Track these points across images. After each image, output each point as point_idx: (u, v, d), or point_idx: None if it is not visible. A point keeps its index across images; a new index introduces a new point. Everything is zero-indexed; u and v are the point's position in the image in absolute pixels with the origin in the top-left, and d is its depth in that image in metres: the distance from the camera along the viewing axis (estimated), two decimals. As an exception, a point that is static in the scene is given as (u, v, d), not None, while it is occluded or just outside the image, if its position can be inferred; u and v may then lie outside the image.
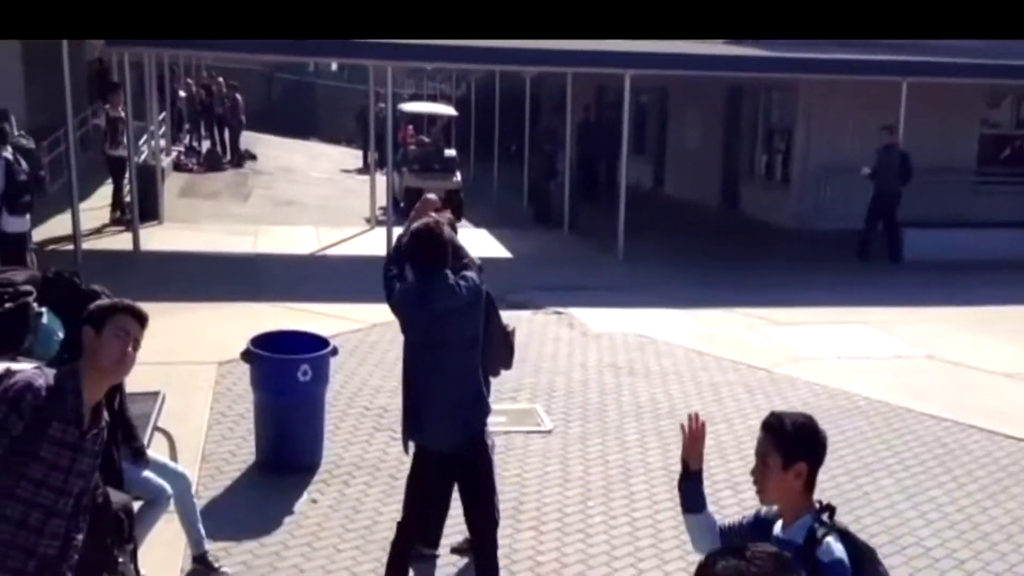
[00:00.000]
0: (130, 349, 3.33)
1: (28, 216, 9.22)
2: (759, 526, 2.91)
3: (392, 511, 5.45)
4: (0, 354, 4.92)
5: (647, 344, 9.49)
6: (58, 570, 3.26)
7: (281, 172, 22.65)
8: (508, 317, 6.07)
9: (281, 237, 14.42)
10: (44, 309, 5.30)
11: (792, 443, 2.78)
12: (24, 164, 9.07)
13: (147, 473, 4.83)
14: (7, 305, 5.09)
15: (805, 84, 16.24)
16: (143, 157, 16.53)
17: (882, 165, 13.78)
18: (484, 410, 4.66)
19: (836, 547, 2.71)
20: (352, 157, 26.14)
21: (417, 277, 4.57)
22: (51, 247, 11.76)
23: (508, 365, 5.49)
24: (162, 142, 19.10)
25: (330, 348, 6.34)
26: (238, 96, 23.53)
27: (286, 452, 6.26)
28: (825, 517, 2.78)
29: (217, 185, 19.50)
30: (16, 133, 9.60)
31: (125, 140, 13.60)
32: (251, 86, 29.50)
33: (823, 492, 3.00)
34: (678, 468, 3.13)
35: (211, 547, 5.11)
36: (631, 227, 14.00)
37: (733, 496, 6.05)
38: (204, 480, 5.95)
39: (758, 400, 7.90)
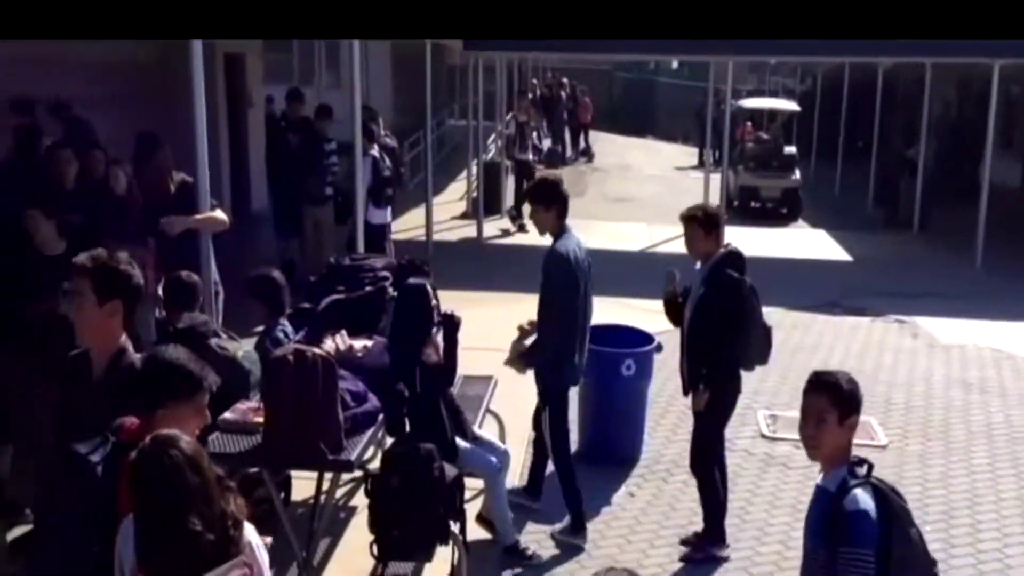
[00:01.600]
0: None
1: (389, 209, 10.19)
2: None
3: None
4: (358, 333, 5.48)
5: (1004, 360, 8.58)
6: None
7: (617, 169, 23.10)
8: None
9: (613, 233, 14.71)
10: (396, 294, 5.82)
11: (848, 399, 2.99)
12: (388, 161, 10.03)
13: (478, 449, 5.15)
14: (367, 288, 5.66)
15: None
16: (490, 155, 17.61)
17: None
18: None
19: (863, 499, 2.87)
20: (688, 155, 26.06)
21: (565, 236, 5.38)
22: (407, 237, 12.88)
23: (765, 360, 5.43)
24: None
25: (654, 344, 6.38)
26: (587, 99, 24.38)
27: (607, 444, 6.39)
28: (861, 471, 2.94)
29: (556, 182, 20.26)
30: (383, 133, 10.60)
31: (530, 144, 14.53)
32: (592, 85, 30.33)
33: None
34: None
35: (525, 533, 5.33)
36: (993, 230, 12.70)
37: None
38: (527, 464, 6.23)
39: None
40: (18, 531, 5.26)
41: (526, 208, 8.32)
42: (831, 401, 2.99)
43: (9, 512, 5.27)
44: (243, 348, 5.06)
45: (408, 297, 5.09)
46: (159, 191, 6.08)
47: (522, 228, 14.05)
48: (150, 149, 6.27)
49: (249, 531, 2.76)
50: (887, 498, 2.91)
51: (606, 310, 9.25)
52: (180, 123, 9.11)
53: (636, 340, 6.43)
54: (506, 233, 14.19)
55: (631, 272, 12.18)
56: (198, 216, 5.75)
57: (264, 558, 2.79)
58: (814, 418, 3.00)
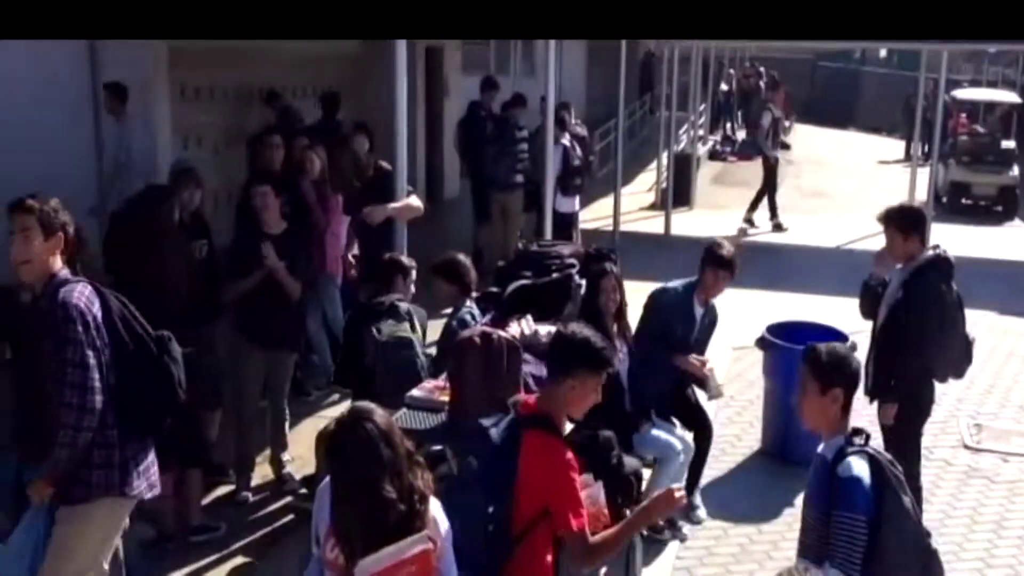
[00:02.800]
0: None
1: (577, 198, 10.24)
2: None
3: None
4: (544, 319, 5.54)
5: None
6: None
7: (813, 162, 22.20)
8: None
9: (806, 227, 14.18)
10: (583, 281, 5.85)
11: (828, 371, 3.12)
12: (578, 151, 10.07)
13: (656, 432, 5.12)
14: (554, 275, 5.71)
15: None
16: (681, 146, 17.35)
17: None
18: None
19: (857, 466, 3.02)
20: (892, 148, 24.70)
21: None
22: (594, 227, 12.89)
23: (961, 374, 5.21)
24: (700, 131, 19.85)
25: (848, 344, 6.10)
26: (784, 89, 23.56)
27: (793, 443, 6.18)
28: (859, 440, 3.08)
29: (748, 174, 19.74)
30: (573, 122, 10.65)
31: (768, 138, 14.33)
32: (793, 75, 29.27)
33: None
34: None
35: (707, 527, 5.25)
36: None
37: None
38: (708, 460, 6.12)
39: None
40: (222, 490, 5.68)
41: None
42: (811, 372, 3.17)
43: (216, 473, 5.69)
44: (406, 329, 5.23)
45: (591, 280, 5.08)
46: (355, 177, 6.32)
47: (779, 227, 13.89)
48: (346, 136, 6.55)
49: (434, 506, 2.85)
50: (882, 467, 3.05)
51: (798, 306, 8.96)
52: (381, 111, 9.56)
53: (827, 338, 6.16)
54: (743, 233, 13.85)
55: (824, 268, 11.72)
56: (396, 204, 5.97)
57: (447, 534, 2.88)
58: (800, 387, 3.22)
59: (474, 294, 5.64)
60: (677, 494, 3.25)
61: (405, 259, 5.41)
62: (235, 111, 10.14)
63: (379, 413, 2.83)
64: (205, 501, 5.42)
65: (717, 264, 5.35)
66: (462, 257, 5.54)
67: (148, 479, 3.79)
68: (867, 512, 2.98)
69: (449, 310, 5.61)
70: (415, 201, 6.15)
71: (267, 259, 5.34)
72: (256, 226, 5.58)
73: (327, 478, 2.93)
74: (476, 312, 5.52)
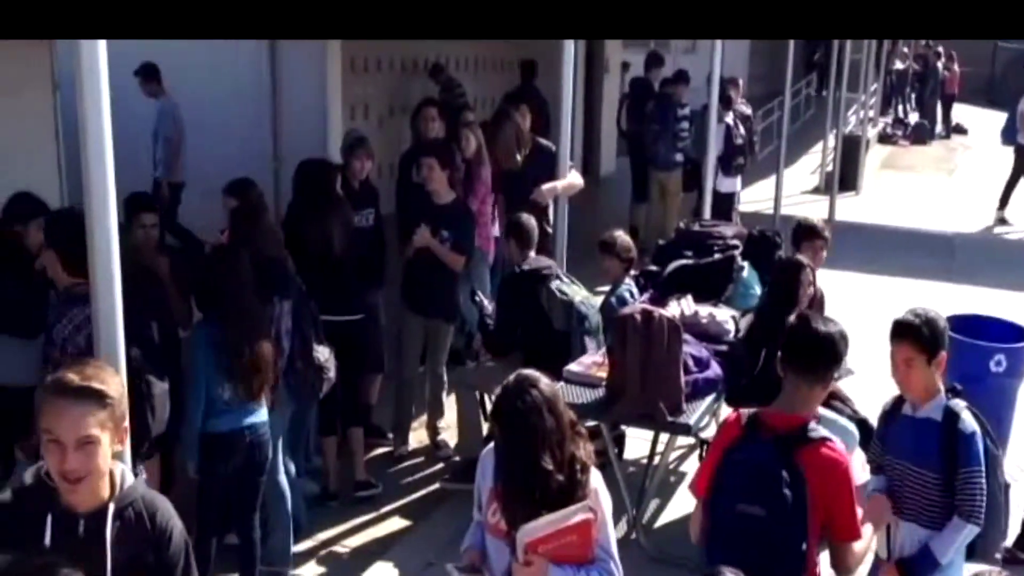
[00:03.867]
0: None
1: (739, 178, 9.99)
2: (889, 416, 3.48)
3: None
4: (704, 300, 5.45)
5: None
6: None
7: (992, 147, 20.88)
8: None
9: (986, 217, 13.36)
10: (746, 263, 5.71)
11: (932, 340, 3.19)
12: (741, 129, 9.81)
13: (831, 414, 4.93)
14: (716, 256, 5.60)
15: None
16: (850, 128, 16.65)
17: None
18: None
19: (972, 421, 3.17)
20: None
21: None
22: (753, 209, 12.55)
23: None
24: (870, 113, 18.98)
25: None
26: (956, 68, 22.25)
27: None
28: (955, 396, 3.22)
29: (920, 158, 18.78)
30: (739, 100, 10.38)
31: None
32: (972, 56, 27.57)
33: None
34: None
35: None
36: None
37: None
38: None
39: None
40: (380, 450, 5.87)
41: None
42: (916, 345, 3.21)
43: (376, 434, 5.87)
44: (582, 294, 5.22)
45: (785, 271, 4.88)
46: (513, 154, 6.31)
47: (1002, 221, 13.06)
48: (505, 113, 6.53)
49: (595, 477, 2.85)
50: (979, 418, 3.21)
51: (976, 299, 8.46)
52: (541, 87, 9.56)
53: (1007, 334, 5.81)
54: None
55: (1007, 260, 11.04)
56: (562, 183, 5.95)
57: (607, 505, 2.87)
58: (903, 363, 3.24)
59: (632, 272, 5.61)
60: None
61: (530, 220, 5.40)
62: (400, 83, 10.37)
63: (544, 381, 2.84)
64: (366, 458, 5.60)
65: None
66: (622, 235, 5.50)
67: None
68: (984, 461, 3.17)
69: (605, 287, 5.60)
70: (577, 178, 6.13)
71: (417, 239, 5.44)
72: (423, 196, 5.67)
73: (490, 444, 2.98)
74: (634, 290, 5.49)
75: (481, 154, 6.47)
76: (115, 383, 2.37)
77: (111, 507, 2.35)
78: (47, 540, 2.29)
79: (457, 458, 5.66)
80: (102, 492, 2.36)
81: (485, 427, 5.38)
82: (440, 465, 5.79)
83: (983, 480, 3.15)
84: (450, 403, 6.09)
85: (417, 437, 6.02)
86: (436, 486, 5.54)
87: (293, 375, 4.46)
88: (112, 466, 2.38)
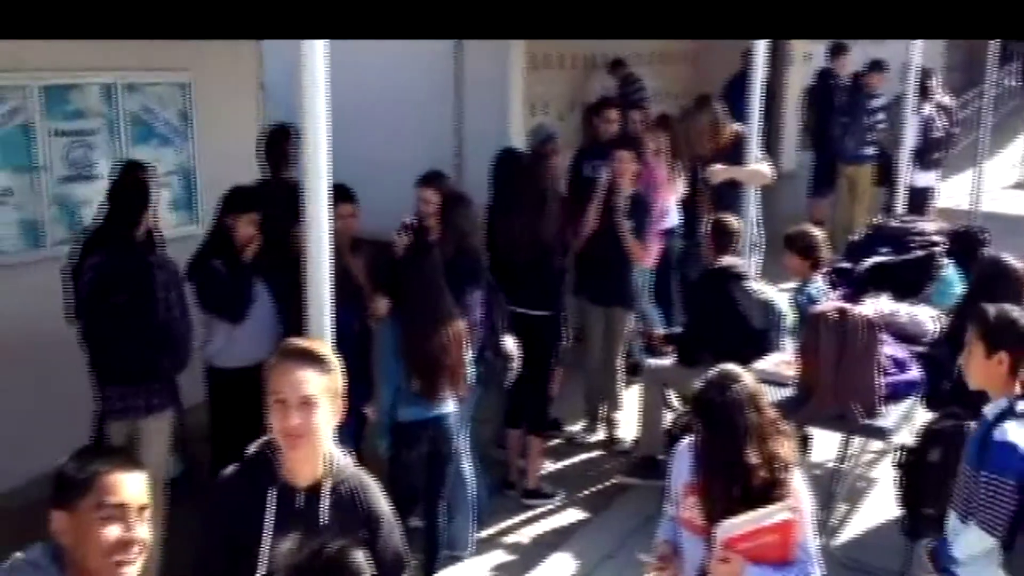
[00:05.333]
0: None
1: (937, 172, 9.45)
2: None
3: None
4: (901, 298, 5.19)
5: None
6: None
7: None
8: None
9: None
10: (949, 261, 5.41)
11: (995, 332, 3.07)
12: (940, 121, 9.27)
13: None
14: (916, 253, 5.33)
15: None
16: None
17: None
18: None
19: (1013, 432, 2.97)
20: None
21: None
22: (948, 205, 11.85)
23: None
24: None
25: None
26: None
27: None
28: (1022, 405, 3.02)
29: None
30: (938, 90, 9.79)
31: None
32: None
33: None
34: None
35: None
36: None
37: None
38: None
39: None
40: (554, 442, 5.91)
41: None
42: (978, 333, 3.14)
43: (552, 427, 5.91)
44: (774, 292, 5.11)
45: (992, 272, 4.59)
46: (709, 142, 6.21)
47: None
48: (702, 104, 6.43)
49: (797, 477, 2.77)
50: None
51: None
52: (721, 78, 9.33)
53: None
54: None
55: None
56: (743, 168, 5.83)
57: (809, 507, 2.79)
58: (967, 347, 3.20)
59: (823, 270, 5.41)
60: None
61: (734, 223, 5.29)
62: (579, 79, 10.37)
63: (748, 377, 2.80)
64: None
65: None
66: (816, 231, 5.32)
67: None
68: (1019, 477, 2.96)
69: (788, 284, 5.43)
70: (765, 168, 5.97)
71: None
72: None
73: (686, 438, 2.94)
74: (824, 286, 5.30)
75: (662, 150, 6.41)
76: (334, 358, 2.50)
77: (326, 483, 2.47)
78: (270, 512, 2.43)
79: (635, 453, 5.63)
80: (318, 466, 2.47)
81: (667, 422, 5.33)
82: (618, 459, 5.79)
83: (1006, 494, 2.98)
84: (629, 397, 6.08)
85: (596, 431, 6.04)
86: (614, 480, 5.54)
87: (482, 364, 4.55)
88: (327, 446, 2.50)
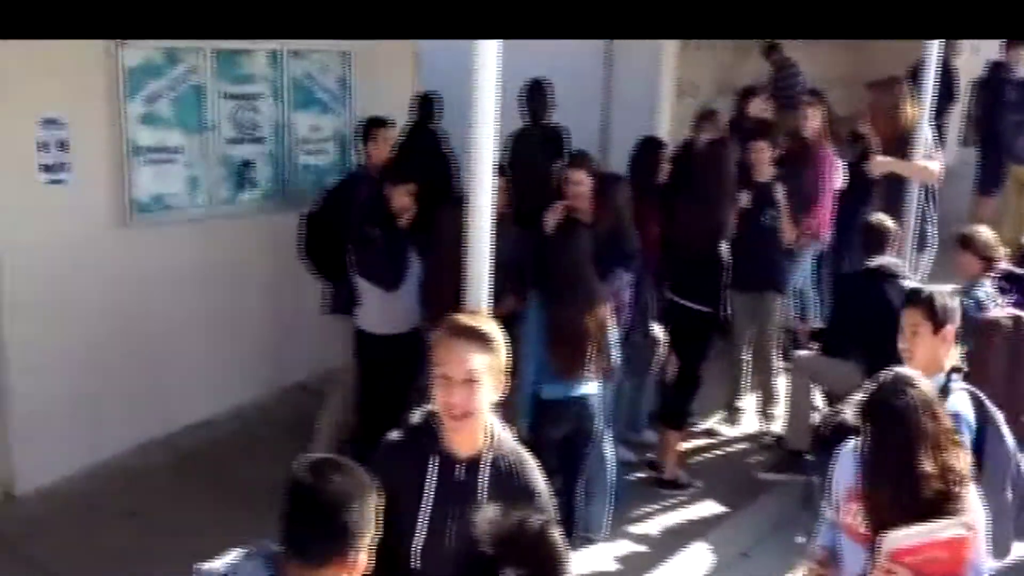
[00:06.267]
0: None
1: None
2: None
3: None
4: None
5: None
6: None
7: None
8: None
9: None
10: None
11: (942, 312, 3.32)
12: None
13: None
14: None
15: None
16: None
17: None
18: None
19: (962, 403, 3.20)
20: None
21: None
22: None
23: None
24: None
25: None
26: None
27: None
28: (957, 377, 3.27)
29: None
30: None
31: None
32: None
33: None
34: None
35: None
36: None
37: None
38: None
39: None
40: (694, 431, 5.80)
41: None
42: (925, 314, 3.31)
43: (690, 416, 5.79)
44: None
45: None
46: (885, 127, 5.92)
47: None
48: (896, 80, 6.08)
49: (972, 492, 2.62)
50: (983, 403, 3.20)
51: None
52: (887, 66, 8.91)
53: None
54: None
55: None
56: (910, 163, 5.56)
57: (984, 525, 2.64)
58: (909, 330, 3.34)
59: (993, 273, 5.12)
60: None
61: (887, 223, 5.04)
62: (731, 62, 10.11)
63: (924, 382, 2.65)
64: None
65: None
66: (990, 231, 5.03)
67: None
68: (970, 446, 3.04)
69: (951, 285, 5.16)
70: (934, 165, 5.67)
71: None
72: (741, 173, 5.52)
73: (852, 441, 2.82)
74: (991, 291, 5.01)
75: (825, 133, 6.16)
76: (499, 333, 2.49)
77: (487, 455, 2.48)
78: (430, 480, 2.45)
79: (780, 448, 5.48)
80: (479, 438, 2.48)
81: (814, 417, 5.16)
82: (761, 453, 5.65)
83: None
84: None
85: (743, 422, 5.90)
86: (758, 474, 5.41)
87: (630, 347, 4.49)
88: (488, 420, 2.50)
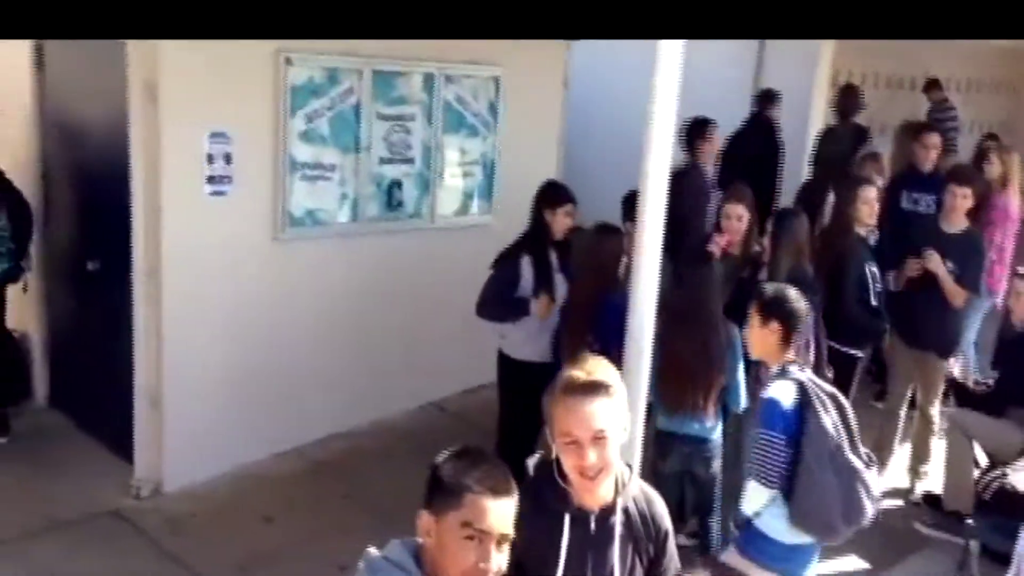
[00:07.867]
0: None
1: None
2: None
3: None
4: None
5: None
6: None
7: None
8: None
9: None
10: None
11: (768, 306, 3.41)
12: None
13: None
14: None
15: None
16: None
17: None
18: None
19: (777, 389, 3.27)
20: None
21: None
22: None
23: None
24: None
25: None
26: None
27: None
28: (793, 368, 3.31)
29: None
30: None
31: None
32: None
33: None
34: None
35: None
36: None
37: None
38: None
39: None
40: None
41: None
42: (755, 306, 3.44)
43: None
44: None
45: None
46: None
47: None
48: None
49: None
50: (807, 390, 3.23)
51: None
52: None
53: None
54: None
55: None
56: None
57: None
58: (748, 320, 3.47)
59: None
60: None
61: None
62: (883, 100, 9.77)
63: None
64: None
65: None
66: None
67: None
68: (786, 431, 3.19)
69: None
70: None
71: (929, 263, 5.06)
72: (927, 223, 5.29)
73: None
74: None
75: (1007, 180, 5.83)
76: (614, 374, 2.34)
77: (618, 504, 2.36)
78: (564, 538, 2.33)
79: (935, 507, 5.17)
80: (611, 490, 2.37)
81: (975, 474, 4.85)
82: (912, 509, 5.35)
83: (775, 447, 3.20)
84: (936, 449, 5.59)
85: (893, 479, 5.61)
86: (917, 527, 5.13)
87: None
88: (618, 468, 2.37)
